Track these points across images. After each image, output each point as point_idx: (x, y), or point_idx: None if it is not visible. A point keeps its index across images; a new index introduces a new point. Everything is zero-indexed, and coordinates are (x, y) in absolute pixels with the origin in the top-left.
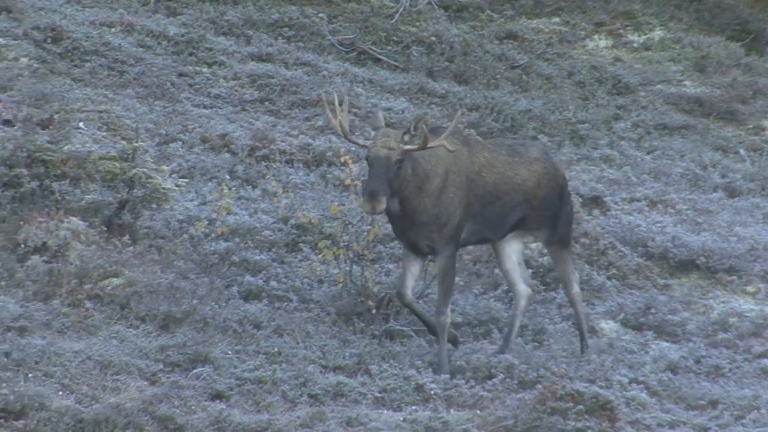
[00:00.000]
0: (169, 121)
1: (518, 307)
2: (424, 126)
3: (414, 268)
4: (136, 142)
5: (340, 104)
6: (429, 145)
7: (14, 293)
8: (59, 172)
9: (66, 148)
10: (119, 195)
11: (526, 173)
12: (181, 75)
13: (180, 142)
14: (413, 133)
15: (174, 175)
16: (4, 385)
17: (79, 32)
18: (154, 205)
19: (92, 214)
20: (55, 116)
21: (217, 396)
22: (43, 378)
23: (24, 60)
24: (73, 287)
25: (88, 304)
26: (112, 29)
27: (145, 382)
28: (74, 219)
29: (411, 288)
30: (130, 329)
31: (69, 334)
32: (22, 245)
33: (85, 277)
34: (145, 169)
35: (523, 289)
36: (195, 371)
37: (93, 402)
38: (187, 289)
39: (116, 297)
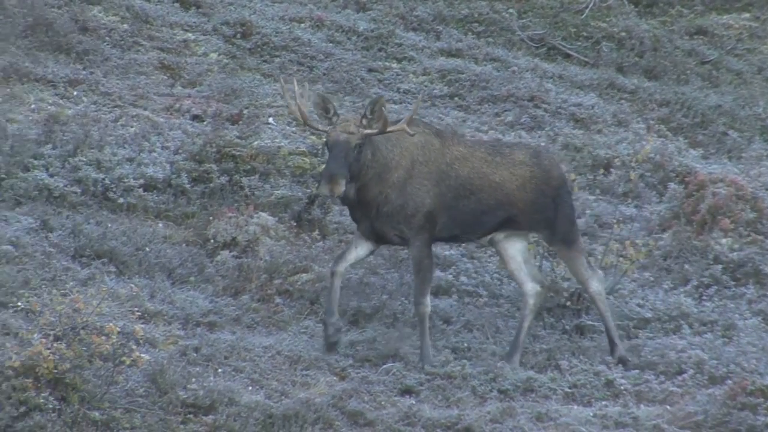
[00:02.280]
0: None
1: (527, 307)
2: (382, 108)
3: (360, 250)
4: None
5: (300, 91)
6: (389, 129)
7: (204, 288)
8: (248, 167)
9: (255, 143)
10: (308, 190)
11: (507, 175)
12: (370, 70)
13: None
14: (370, 116)
15: None
16: (193, 380)
17: (269, 27)
18: None
19: (281, 209)
20: (245, 111)
21: (407, 391)
22: (233, 373)
23: (213, 55)
24: (262, 282)
25: (278, 300)
26: (302, 24)
27: (335, 378)
28: (263, 214)
29: (346, 266)
30: (320, 324)
31: (258, 330)
32: (212, 240)
33: (274, 273)
34: None
35: (530, 287)
36: (384, 366)
37: (282, 397)
38: (376, 284)
39: (306, 292)
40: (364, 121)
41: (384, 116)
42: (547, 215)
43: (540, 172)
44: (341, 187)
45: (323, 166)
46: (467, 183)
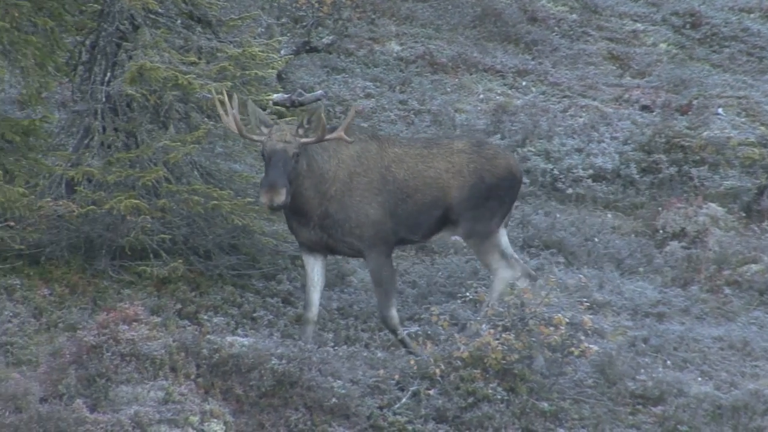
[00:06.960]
0: None
1: (493, 290)
2: (319, 118)
3: (316, 275)
4: None
5: (230, 101)
6: (326, 137)
7: (652, 279)
8: (697, 157)
9: (704, 134)
10: (758, 181)
11: (443, 165)
12: None
13: None
14: (306, 126)
15: None
16: (642, 371)
17: (718, 18)
18: None
19: (731, 200)
20: (694, 102)
21: None
22: (682, 364)
23: (663, 46)
24: (711, 273)
25: (727, 290)
26: (751, 15)
27: None
28: (712, 205)
29: (316, 309)
30: None
31: (707, 320)
32: (661, 231)
33: (723, 263)
34: None
35: (503, 273)
36: None
37: (731, 388)
38: None
39: (755, 283)
40: (301, 131)
41: (322, 125)
42: (477, 203)
43: (480, 159)
44: (282, 197)
45: (262, 176)
46: (404, 186)
